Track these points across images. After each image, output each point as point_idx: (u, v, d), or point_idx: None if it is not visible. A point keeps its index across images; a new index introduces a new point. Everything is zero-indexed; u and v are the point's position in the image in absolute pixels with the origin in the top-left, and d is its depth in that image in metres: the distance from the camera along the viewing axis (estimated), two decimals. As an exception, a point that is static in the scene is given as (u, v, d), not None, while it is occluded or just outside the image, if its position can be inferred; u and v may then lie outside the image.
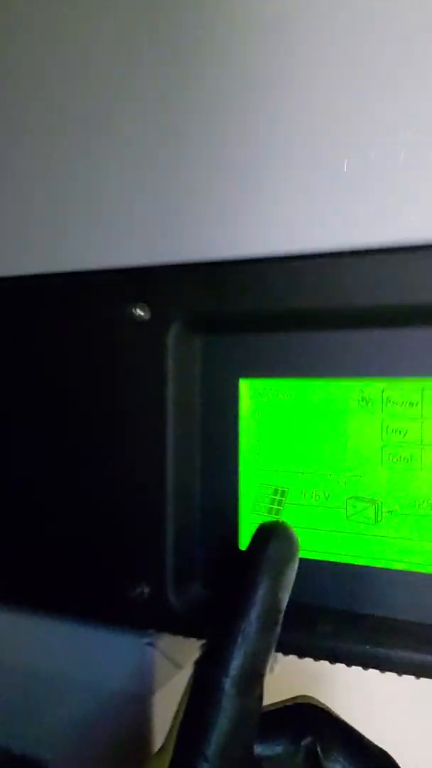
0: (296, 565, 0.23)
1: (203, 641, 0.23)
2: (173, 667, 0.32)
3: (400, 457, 0.27)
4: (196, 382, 0.29)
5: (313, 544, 0.28)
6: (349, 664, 0.25)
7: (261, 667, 0.22)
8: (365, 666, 0.25)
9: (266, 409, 0.29)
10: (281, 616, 0.23)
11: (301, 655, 0.26)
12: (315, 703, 0.24)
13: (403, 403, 0.27)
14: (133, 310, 0.29)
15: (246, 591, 0.22)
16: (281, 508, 0.28)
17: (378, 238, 0.25)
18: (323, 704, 0.24)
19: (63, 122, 0.31)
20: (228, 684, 0.20)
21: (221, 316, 0.28)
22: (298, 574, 0.27)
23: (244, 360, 0.29)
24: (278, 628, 0.22)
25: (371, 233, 0.25)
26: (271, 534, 0.23)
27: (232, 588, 0.23)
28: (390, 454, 0.27)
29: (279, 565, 0.23)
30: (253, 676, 0.21)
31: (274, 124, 0.27)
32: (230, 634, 0.21)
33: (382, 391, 0.27)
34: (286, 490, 0.28)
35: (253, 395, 0.29)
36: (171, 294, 0.28)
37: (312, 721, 0.23)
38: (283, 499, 0.28)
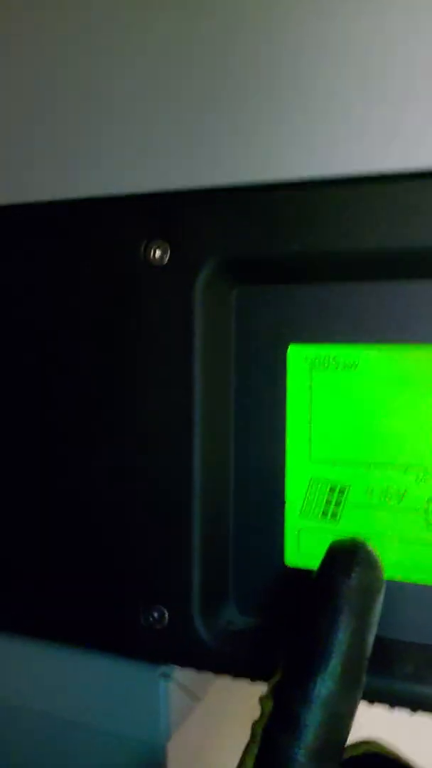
0: (382, 599, 0.17)
1: (265, 691, 0.18)
2: (190, 700, 0.26)
3: None
4: (230, 347, 0.23)
5: (385, 558, 0.21)
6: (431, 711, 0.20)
7: (343, 733, 0.17)
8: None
9: (323, 383, 0.22)
10: (366, 663, 0.17)
11: (372, 701, 0.20)
12: (385, 751, 0.19)
13: None
14: (149, 250, 0.22)
15: (324, 634, 0.17)
16: (340, 510, 0.22)
17: None
18: (392, 750, 0.20)
19: (70, 30, 0.23)
20: (303, 756, 0.16)
21: (263, 260, 0.21)
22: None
23: (294, 318, 0.22)
24: (364, 681, 0.17)
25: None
26: (352, 559, 0.18)
27: (303, 627, 0.17)
28: None
29: (364, 599, 0.17)
30: (334, 745, 0.17)
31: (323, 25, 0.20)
32: (305, 693, 0.17)
33: None
34: (346, 487, 0.22)
35: (305, 365, 0.22)
36: (197, 229, 0.21)
37: None
38: (343, 498, 0.22)
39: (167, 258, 0.22)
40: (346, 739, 0.17)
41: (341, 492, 0.22)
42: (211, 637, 0.22)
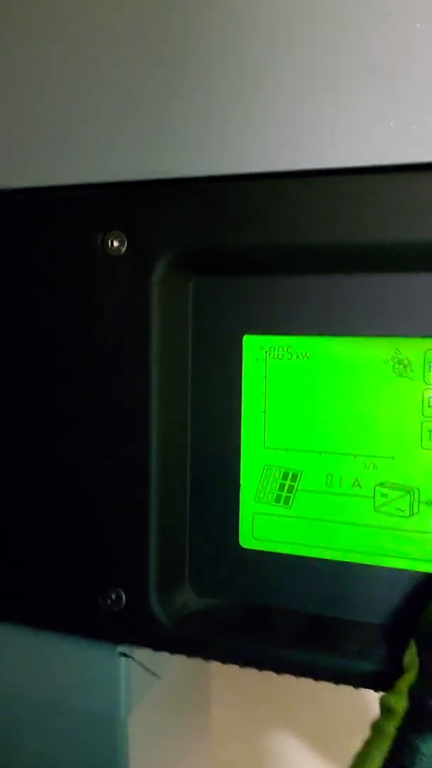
0: None
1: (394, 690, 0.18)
2: (151, 677, 0.27)
3: (443, 435, 0.21)
4: (187, 337, 0.23)
5: (333, 542, 0.22)
6: (376, 689, 0.21)
7: None
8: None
9: (275, 373, 0.23)
10: None
11: (318, 678, 0.21)
12: None
13: (449, 368, 0.21)
14: (107, 240, 0.22)
15: None
16: (292, 496, 0.23)
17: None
18: None
19: (14, 17, 0.23)
20: None
21: (220, 252, 0.22)
22: (311, 578, 0.22)
23: (249, 311, 0.22)
24: None
25: (423, 145, 0.19)
26: None
27: None
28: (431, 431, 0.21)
29: None
30: None
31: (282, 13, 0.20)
32: None
33: (425, 353, 0.21)
34: (299, 473, 0.23)
35: (259, 355, 0.23)
36: (155, 221, 0.22)
37: None
38: (296, 485, 0.23)
39: (124, 248, 0.22)
40: None
41: (294, 478, 0.23)
42: (168, 618, 0.23)
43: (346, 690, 0.22)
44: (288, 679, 0.23)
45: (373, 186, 0.19)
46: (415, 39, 0.19)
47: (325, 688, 0.25)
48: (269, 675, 0.22)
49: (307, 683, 0.27)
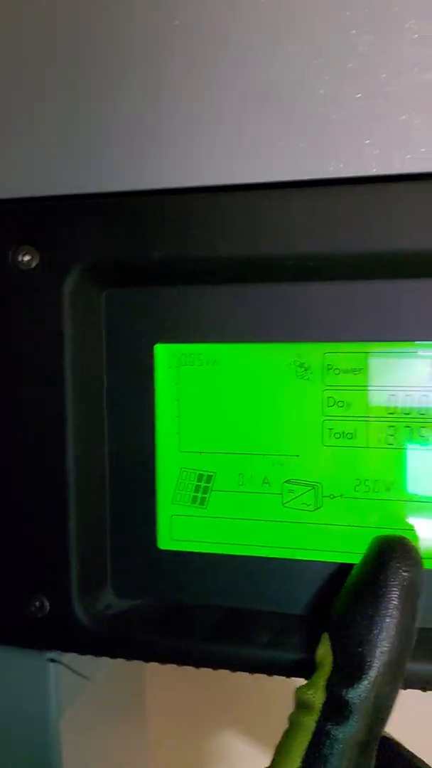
0: None
1: (309, 683, 0.19)
2: (81, 680, 0.27)
3: (343, 433, 0.23)
4: (101, 347, 0.24)
5: (246, 537, 0.23)
6: (288, 676, 0.22)
7: (385, 724, 0.19)
8: (308, 678, 0.21)
9: (187, 379, 0.24)
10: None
11: (233, 669, 0.22)
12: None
13: (346, 370, 0.23)
14: (18, 255, 0.23)
15: (379, 631, 0.18)
16: (207, 496, 0.24)
17: (324, 170, 0.20)
18: (386, 732, 0.21)
19: None
20: (355, 749, 0.18)
21: (131, 264, 0.22)
22: (227, 574, 0.24)
23: (160, 320, 0.23)
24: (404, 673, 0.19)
25: (315, 165, 0.20)
26: (407, 556, 0.19)
27: (353, 622, 0.19)
28: (331, 429, 0.23)
29: (415, 596, 0.19)
30: (377, 736, 0.18)
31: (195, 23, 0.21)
32: (360, 689, 0.18)
33: (323, 357, 0.23)
34: (212, 475, 0.24)
35: (171, 363, 0.24)
36: (65, 235, 0.22)
37: (382, 755, 0.20)
38: (210, 485, 0.24)
39: (36, 263, 0.23)
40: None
41: (208, 479, 0.24)
42: (91, 621, 0.23)
43: (288, 684, 0.23)
44: (226, 675, 0.24)
45: (269, 201, 0.21)
46: (294, 64, 0.20)
47: (266, 683, 0.27)
48: (207, 672, 0.23)
49: (246, 679, 0.28)
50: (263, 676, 0.23)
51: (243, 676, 0.23)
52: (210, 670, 0.23)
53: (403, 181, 0.19)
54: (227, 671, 0.23)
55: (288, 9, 0.20)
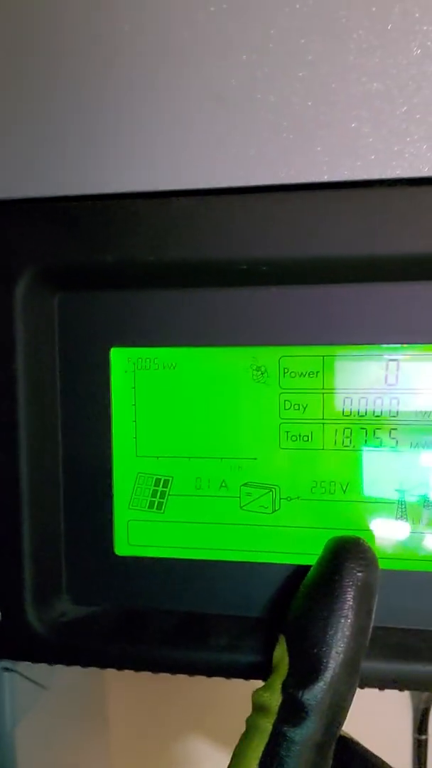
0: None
1: (266, 686, 0.19)
2: (37, 688, 0.27)
3: (299, 436, 0.23)
4: (54, 351, 0.23)
5: (204, 541, 0.23)
6: (246, 678, 0.22)
7: (342, 724, 0.19)
8: (266, 679, 0.21)
9: (143, 384, 0.24)
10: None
11: (191, 673, 0.22)
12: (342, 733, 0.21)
13: (302, 373, 0.23)
14: (-34, 259, 0.22)
15: (334, 632, 0.18)
16: (165, 501, 0.24)
17: (276, 176, 0.21)
18: (345, 732, 0.22)
19: None
20: (313, 749, 0.18)
21: (83, 268, 0.22)
22: (185, 579, 0.24)
23: (114, 324, 0.23)
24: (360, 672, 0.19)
25: (269, 170, 0.21)
26: (362, 557, 0.19)
27: (309, 623, 0.19)
28: (288, 432, 0.23)
29: (370, 596, 0.19)
30: (334, 736, 0.18)
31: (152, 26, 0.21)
32: (316, 690, 0.18)
33: (279, 360, 0.23)
34: (170, 479, 0.24)
35: (127, 367, 0.24)
36: (15, 239, 0.22)
37: (340, 755, 0.20)
38: (167, 490, 0.24)
39: (-13, 266, 0.22)
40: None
41: (165, 484, 0.24)
42: (46, 629, 0.23)
43: (253, 686, 0.23)
44: (189, 680, 0.23)
45: (217, 207, 0.21)
46: (245, 70, 0.20)
47: (232, 686, 0.27)
48: (169, 678, 0.23)
49: (210, 683, 0.28)
50: (227, 680, 0.23)
51: (207, 681, 0.23)
52: (171, 675, 0.23)
53: (353, 187, 0.20)
54: (189, 676, 0.23)
55: (239, 17, 0.20)
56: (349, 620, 0.18)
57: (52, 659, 0.23)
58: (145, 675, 0.24)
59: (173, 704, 0.41)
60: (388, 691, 0.22)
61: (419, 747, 0.40)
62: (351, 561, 0.19)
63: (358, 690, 0.19)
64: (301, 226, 0.20)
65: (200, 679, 0.23)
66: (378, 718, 0.37)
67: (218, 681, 0.24)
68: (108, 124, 0.21)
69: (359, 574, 0.19)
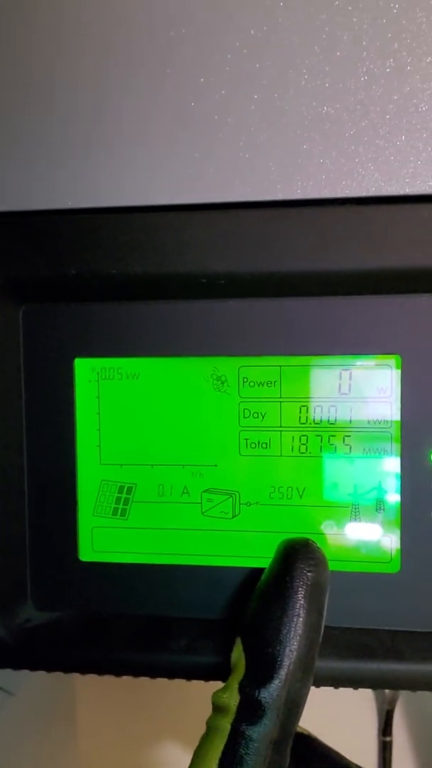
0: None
1: (225, 687, 0.19)
2: (4, 695, 0.27)
3: (258, 443, 0.24)
4: (19, 361, 0.24)
5: (166, 547, 0.24)
6: (206, 680, 0.22)
7: (298, 721, 0.19)
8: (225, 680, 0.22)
9: (107, 393, 0.24)
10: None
11: (152, 675, 0.23)
12: (300, 730, 0.22)
13: (260, 383, 0.24)
14: None
15: (287, 632, 0.19)
16: (128, 507, 0.24)
17: (235, 193, 0.21)
18: (306, 730, 0.22)
19: None
20: (270, 748, 0.18)
21: (47, 281, 0.23)
22: (147, 583, 0.24)
23: (78, 335, 0.24)
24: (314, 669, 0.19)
25: (226, 187, 0.21)
26: (311, 558, 0.20)
27: (263, 624, 0.19)
28: (247, 439, 0.24)
29: (321, 595, 0.19)
30: (290, 733, 0.19)
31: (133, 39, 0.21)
32: (272, 690, 0.18)
33: (238, 370, 0.24)
34: (133, 486, 0.24)
35: (90, 377, 0.24)
36: None
37: (301, 752, 0.20)
38: (131, 497, 0.24)
39: None
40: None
41: (129, 491, 0.24)
42: (9, 635, 0.23)
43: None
44: (157, 685, 0.24)
45: (175, 223, 0.21)
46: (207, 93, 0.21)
47: (196, 692, 0.27)
48: (140, 682, 0.24)
49: (177, 688, 0.28)
50: (196, 686, 0.23)
51: (176, 686, 0.24)
52: (145, 679, 0.23)
53: (306, 206, 0.21)
54: (151, 678, 0.23)
55: (197, 42, 0.21)
56: (301, 619, 0.19)
57: (16, 664, 0.23)
58: (114, 681, 0.24)
59: (142, 710, 0.41)
60: (352, 695, 0.23)
61: (384, 749, 0.41)
62: (301, 562, 0.20)
63: (323, 695, 0.20)
64: (257, 242, 0.21)
65: (169, 685, 0.24)
66: (343, 721, 0.38)
67: (188, 686, 0.25)
68: (71, 141, 0.22)
69: (309, 574, 0.19)
